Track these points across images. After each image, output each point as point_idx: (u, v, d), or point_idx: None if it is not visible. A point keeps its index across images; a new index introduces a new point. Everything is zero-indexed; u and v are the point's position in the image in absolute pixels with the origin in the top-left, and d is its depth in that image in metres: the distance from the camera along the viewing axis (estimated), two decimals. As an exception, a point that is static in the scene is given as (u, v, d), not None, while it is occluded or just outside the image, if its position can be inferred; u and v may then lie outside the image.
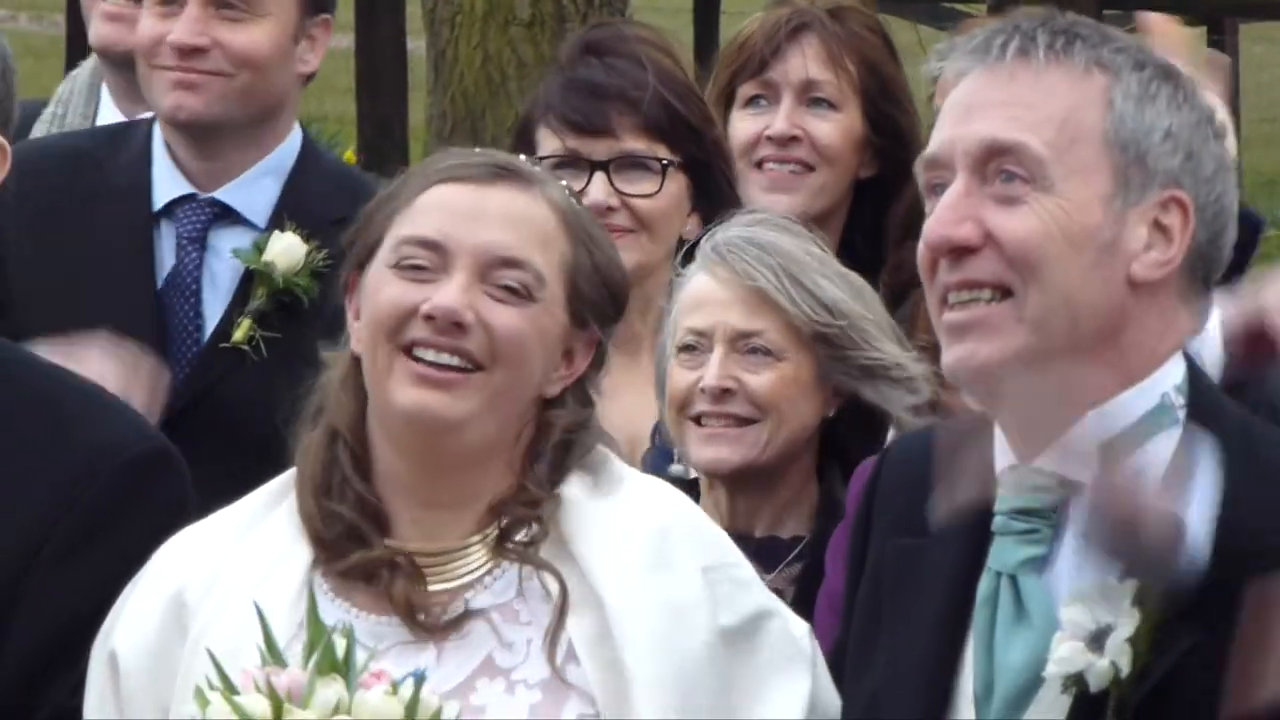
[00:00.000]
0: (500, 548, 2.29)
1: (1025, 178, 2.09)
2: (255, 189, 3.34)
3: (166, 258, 3.29)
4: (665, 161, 3.19)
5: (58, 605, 2.44)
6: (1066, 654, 2.03)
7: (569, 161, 3.19)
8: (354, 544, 2.30)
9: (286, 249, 3.25)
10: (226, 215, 3.33)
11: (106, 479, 2.48)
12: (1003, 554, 2.10)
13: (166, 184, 3.33)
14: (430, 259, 2.22)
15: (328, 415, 2.32)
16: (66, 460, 2.49)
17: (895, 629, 2.17)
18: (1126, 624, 2.00)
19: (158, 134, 3.36)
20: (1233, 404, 2.22)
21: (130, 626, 2.36)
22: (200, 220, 3.33)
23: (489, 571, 2.31)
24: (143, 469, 2.52)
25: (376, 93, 11.47)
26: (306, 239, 3.26)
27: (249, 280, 3.27)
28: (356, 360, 2.32)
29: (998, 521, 2.13)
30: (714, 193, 3.26)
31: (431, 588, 2.29)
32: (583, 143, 3.21)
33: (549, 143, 3.24)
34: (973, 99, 2.11)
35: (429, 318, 2.20)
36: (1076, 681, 2.02)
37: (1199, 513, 1.98)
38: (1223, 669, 1.98)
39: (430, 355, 2.21)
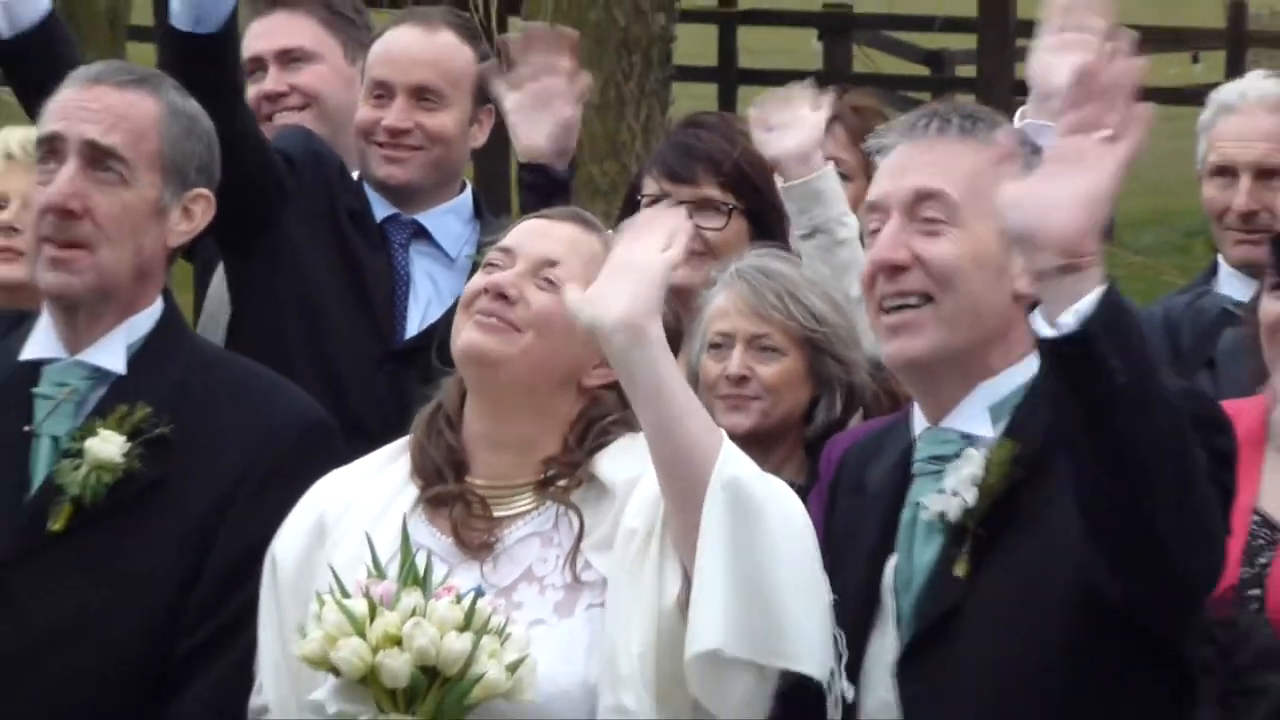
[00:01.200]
0: (543, 491, 3.06)
1: (944, 217, 2.90)
2: (443, 220, 4.49)
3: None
4: (731, 207, 4.25)
5: (245, 531, 3.25)
6: (934, 503, 2.88)
7: (660, 199, 4.31)
8: (441, 481, 3.12)
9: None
10: (423, 234, 4.52)
11: (283, 442, 3.37)
12: (920, 490, 2.92)
13: (379, 206, 4.55)
14: (503, 260, 3.15)
15: (439, 395, 3.22)
16: (255, 427, 3.38)
17: (843, 556, 2.98)
18: (973, 469, 2.88)
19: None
20: None
21: (287, 540, 3.14)
22: (405, 234, 4.49)
23: (535, 508, 3.06)
24: (309, 435, 3.41)
25: (491, 155, 13.37)
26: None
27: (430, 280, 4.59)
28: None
29: (917, 467, 2.94)
30: (769, 234, 4.32)
31: (496, 514, 3.06)
32: (673, 187, 4.27)
33: (650, 187, 4.31)
34: (905, 162, 2.94)
35: (486, 291, 3.14)
36: (942, 517, 2.86)
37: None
38: (1044, 499, 2.83)
39: (482, 317, 3.12)
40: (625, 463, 3.16)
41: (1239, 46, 15.00)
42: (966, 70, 15.39)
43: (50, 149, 3.40)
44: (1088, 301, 2.78)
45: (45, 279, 3.41)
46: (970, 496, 2.95)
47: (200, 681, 3.34)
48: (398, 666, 2.95)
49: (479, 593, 3.01)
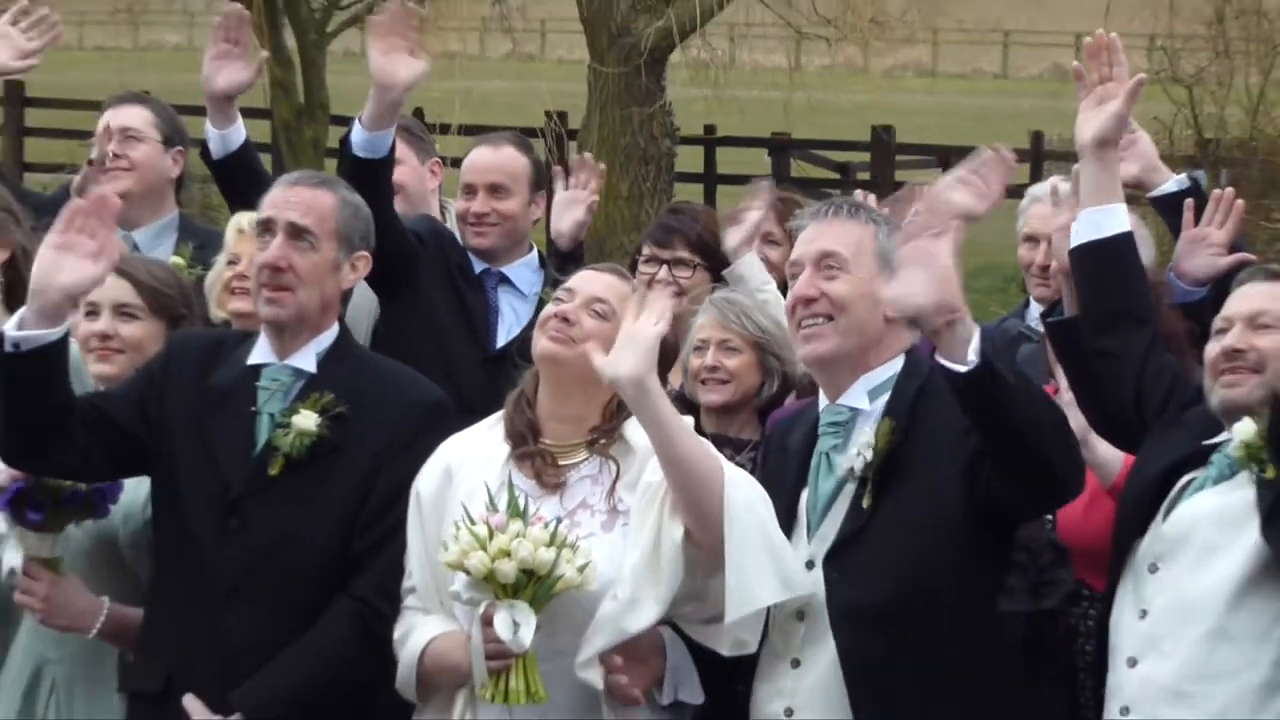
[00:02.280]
0: (592, 448, 4.12)
1: (838, 267, 4.03)
2: (518, 271, 5.90)
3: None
4: (696, 263, 5.69)
5: (395, 474, 4.29)
6: (845, 460, 4.02)
7: (652, 259, 5.69)
8: (525, 443, 4.14)
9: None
10: (506, 280, 5.88)
11: (418, 414, 4.40)
12: (823, 444, 4.10)
13: (477, 263, 5.89)
14: (567, 296, 4.20)
15: (521, 384, 4.26)
16: (399, 405, 4.39)
17: (771, 490, 4.05)
18: (867, 439, 3.99)
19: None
20: (924, 361, 4.15)
21: (425, 481, 4.20)
22: (494, 281, 5.89)
23: (586, 459, 4.13)
24: (435, 410, 4.45)
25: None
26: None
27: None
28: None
29: (821, 429, 4.11)
30: (719, 279, 5.62)
31: (560, 464, 4.12)
32: (659, 251, 5.74)
33: (645, 250, 5.77)
34: (814, 234, 4.07)
35: (555, 316, 4.16)
36: (851, 472, 4.01)
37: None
38: (917, 454, 3.95)
39: (553, 333, 4.13)
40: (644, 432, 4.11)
41: (1039, 160, 19.36)
42: (864, 175, 19.93)
43: (266, 227, 4.39)
44: (976, 341, 3.77)
45: (263, 311, 4.38)
46: (868, 455, 4.06)
47: (370, 570, 4.34)
48: (508, 570, 3.91)
49: (558, 521, 4.00)
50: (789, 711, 4.07)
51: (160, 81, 20.33)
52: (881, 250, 4.11)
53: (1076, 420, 4.37)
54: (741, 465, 4.26)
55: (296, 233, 4.33)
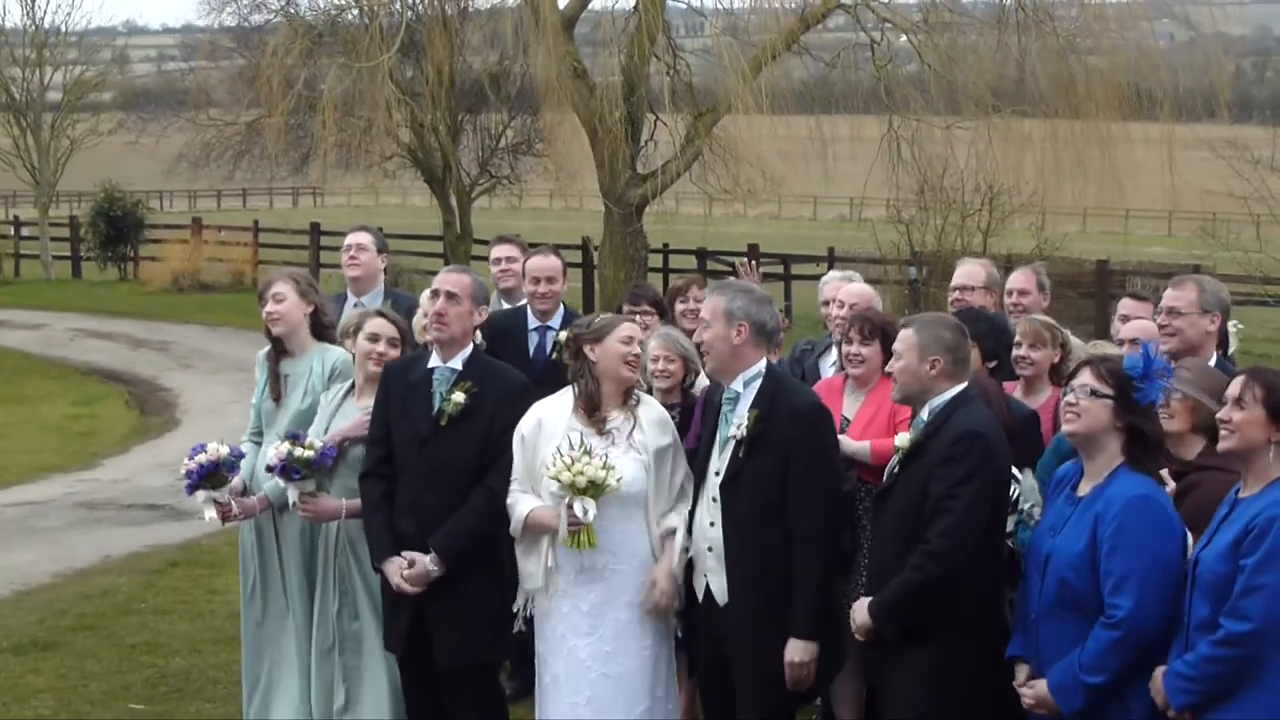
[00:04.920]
0: (624, 408, 6.57)
1: (706, 322, 6.22)
2: (555, 321, 8.99)
3: (534, 339, 9.08)
4: (655, 313, 8.40)
5: (499, 427, 6.88)
6: (732, 431, 6.30)
7: (630, 311, 8.43)
8: (589, 407, 6.60)
9: (564, 336, 8.21)
10: (549, 329, 8.88)
11: (511, 392, 6.87)
12: (725, 408, 6.37)
13: (532, 322, 8.95)
14: (630, 341, 6.55)
15: (585, 376, 6.66)
16: (501, 386, 6.96)
17: (705, 430, 6.45)
18: (744, 420, 6.29)
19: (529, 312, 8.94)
20: (778, 371, 6.47)
21: (528, 424, 6.66)
22: (544, 332, 8.96)
23: (624, 417, 6.56)
24: (521, 388, 6.91)
25: (587, 298, 27.53)
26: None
27: (555, 345, 8.83)
28: (592, 362, 6.73)
29: (723, 399, 6.43)
30: (667, 319, 8.29)
31: (606, 418, 6.57)
32: (633, 307, 8.53)
33: (626, 306, 8.60)
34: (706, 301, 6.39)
35: (635, 356, 6.57)
36: (734, 437, 6.25)
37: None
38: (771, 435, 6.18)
39: (629, 369, 6.54)
40: (655, 406, 6.37)
41: (832, 263, 27.85)
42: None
43: (435, 293, 6.94)
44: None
45: (435, 336, 6.92)
46: (742, 431, 6.24)
47: (495, 471, 6.83)
48: (581, 481, 6.23)
49: (607, 455, 6.36)
50: (710, 549, 6.50)
51: (386, 221, 32.66)
52: (727, 310, 6.44)
53: None
54: (673, 416, 6.82)
55: (450, 296, 6.92)
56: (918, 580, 6.09)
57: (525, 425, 6.86)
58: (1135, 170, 26.05)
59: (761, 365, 6.62)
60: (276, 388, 8.15)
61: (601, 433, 6.74)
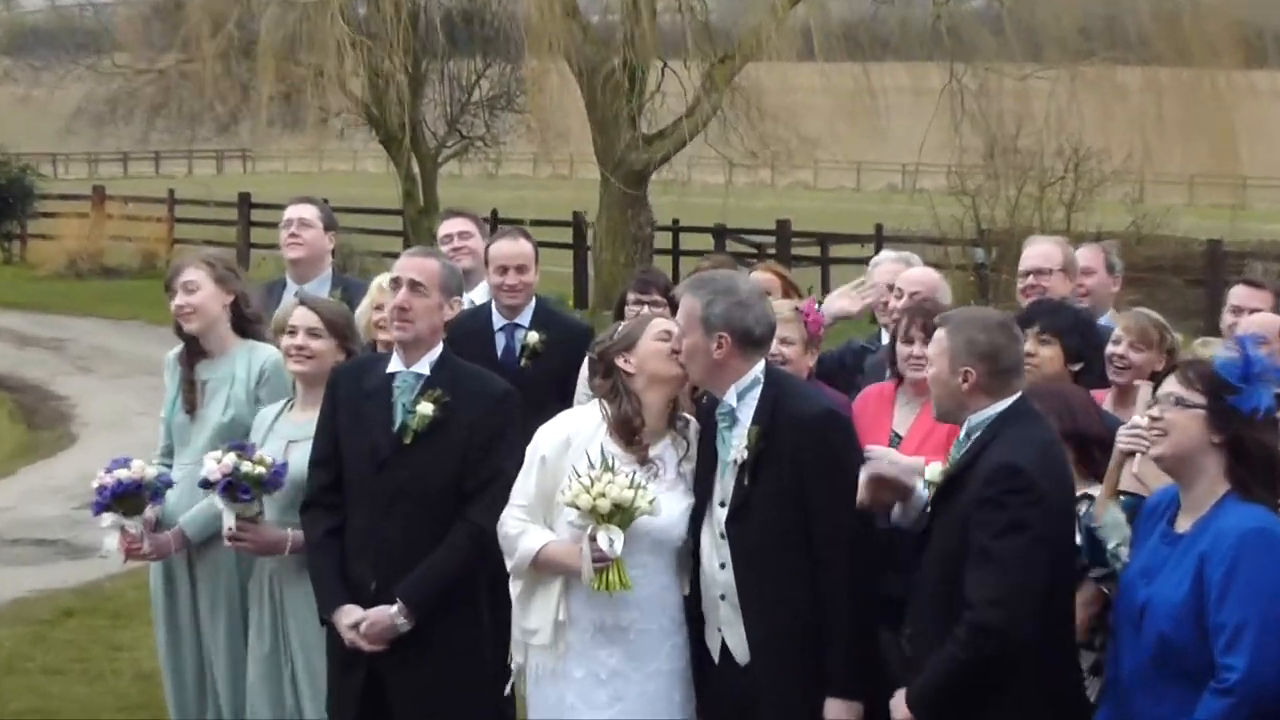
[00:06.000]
0: (671, 430, 6.80)
1: (683, 331, 6.67)
2: (524, 317, 9.22)
3: (501, 341, 9.20)
4: (664, 301, 8.48)
5: (485, 438, 7.16)
6: (731, 454, 6.61)
7: (637, 301, 8.76)
8: (628, 431, 6.76)
9: (534, 336, 9.28)
10: (520, 327, 9.07)
11: (495, 397, 7.25)
12: (720, 426, 6.71)
13: (498, 320, 9.10)
14: (669, 336, 6.71)
15: (620, 395, 6.84)
16: (479, 394, 7.19)
17: (703, 453, 6.80)
18: (743, 440, 6.59)
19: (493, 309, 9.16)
20: (777, 374, 6.75)
21: (549, 441, 6.78)
22: (513, 333, 9.12)
23: (670, 441, 6.79)
24: (505, 396, 7.28)
25: (579, 286, 28.77)
26: (540, 332, 9.25)
27: (523, 348, 9.12)
28: (628, 375, 6.89)
29: (719, 419, 6.70)
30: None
31: (648, 444, 6.77)
32: (643, 296, 8.77)
33: (630, 295, 8.87)
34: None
35: (675, 349, 6.69)
36: (735, 461, 6.56)
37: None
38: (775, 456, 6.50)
39: (679, 368, 6.70)
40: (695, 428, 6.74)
41: (880, 243, 27.90)
42: (771, 251, 29.72)
43: (396, 283, 7.15)
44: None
45: (395, 335, 7.21)
46: (744, 454, 6.55)
47: (478, 501, 7.08)
48: (605, 505, 6.37)
49: (635, 472, 6.54)
50: (722, 596, 6.70)
51: (333, 192, 32.85)
52: (704, 318, 6.71)
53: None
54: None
55: (415, 286, 7.16)
56: (965, 661, 6.12)
57: (548, 442, 6.95)
58: (1255, 130, 26.84)
59: (758, 371, 6.77)
60: (191, 397, 8.23)
61: (643, 461, 6.86)
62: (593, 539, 6.59)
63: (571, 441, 6.86)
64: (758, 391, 6.74)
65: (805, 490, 6.58)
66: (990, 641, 6.07)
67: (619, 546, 6.56)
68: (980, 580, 6.06)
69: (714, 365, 6.74)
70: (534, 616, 6.88)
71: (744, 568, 6.68)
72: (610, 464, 6.66)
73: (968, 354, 6.36)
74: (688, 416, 6.96)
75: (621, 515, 6.59)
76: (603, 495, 6.55)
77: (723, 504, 6.72)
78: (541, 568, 6.83)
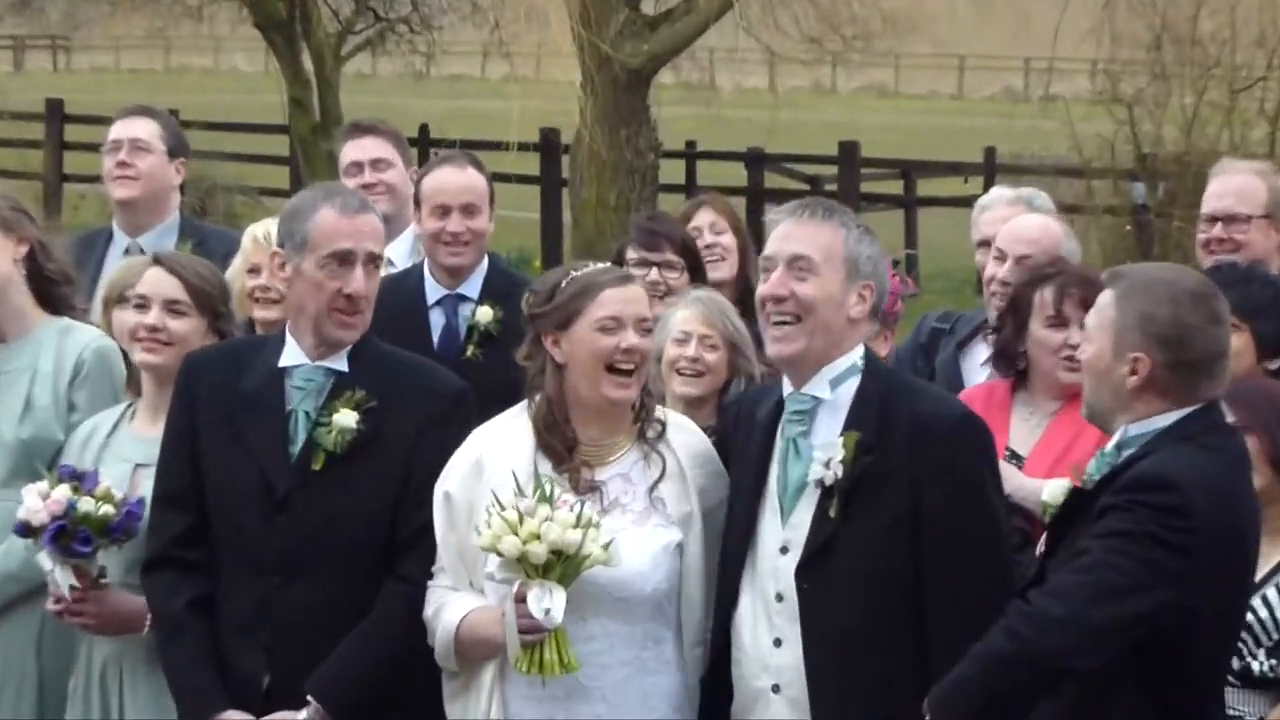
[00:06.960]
0: (637, 441, 7.06)
1: (808, 269, 6.68)
2: (471, 286, 9.37)
3: (438, 319, 9.39)
4: (684, 265, 9.30)
5: (425, 469, 7.19)
6: (816, 472, 6.74)
7: (641, 263, 9.19)
8: (557, 439, 6.99)
9: (487, 313, 9.34)
10: (463, 299, 9.24)
11: (445, 401, 7.36)
12: (789, 430, 6.85)
13: (433, 290, 9.35)
14: (618, 326, 6.76)
15: (544, 389, 7.04)
16: (427, 393, 7.38)
17: (738, 461, 7.09)
18: (839, 455, 6.68)
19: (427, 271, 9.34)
20: (883, 365, 7.16)
21: (455, 472, 7.00)
22: (453, 307, 9.35)
23: (634, 457, 7.03)
24: (459, 398, 7.41)
25: (550, 237, 29.40)
26: (494, 306, 9.33)
27: (470, 330, 9.33)
28: (557, 365, 7.04)
29: (787, 414, 6.90)
30: (700, 280, 9.13)
31: (593, 464, 7.01)
32: (649, 254, 9.34)
33: (631, 254, 9.34)
34: (788, 233, 6.69)
35: (627, 350, 6.80)
36: (821, 482, 6.71)
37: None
38: (884, 477, 6.66)
39: (622, 374, 6.84)
40: (691, 432, 7.05)
41: (991, 174, 29.90)
42: (832, 186, 30.18)
43: (344, 259, 7.17)
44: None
45: (341, 335, 7.25)
46: (838, 472, 6.53)
47: (416, 551, 7.16)
48: (538, 552, 6.40)
49: (582, 504, 6.53)
50: (775, 688, 6.78)
51: (186, 101, 33.16)
52: (850, 254, 6.83)
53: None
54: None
55: (372, 259, 7.39)
56: (1006, 652, 6.33)
57: (453, 475, 7.10)
58: None
59: (857, 356, 6.90)
60: None
61: (584, 488, 6.96)
62: (520, 599, 6.68)
63: (485, 463, 7.04)
64: (855, 383, 6.90)
65: (929, 533, 6.65)
66: (1038, 636, 6.30)
67: (559, 611, 6.63)
68: (1058, 584, 6.31)
69: (840, 332, 6.84)
70: (465, 709, 7.01)
71: (819, 646, 6.72)
72: (548, 492, 6.76)
73: (1142, 334, 6.44)
74: (663, 420, 7.13)
75: (564, 566, 6.67)
76: (535, 537, 6.62)
77: (785, 549, 6.81)
78: (465, 648, 6.98)
